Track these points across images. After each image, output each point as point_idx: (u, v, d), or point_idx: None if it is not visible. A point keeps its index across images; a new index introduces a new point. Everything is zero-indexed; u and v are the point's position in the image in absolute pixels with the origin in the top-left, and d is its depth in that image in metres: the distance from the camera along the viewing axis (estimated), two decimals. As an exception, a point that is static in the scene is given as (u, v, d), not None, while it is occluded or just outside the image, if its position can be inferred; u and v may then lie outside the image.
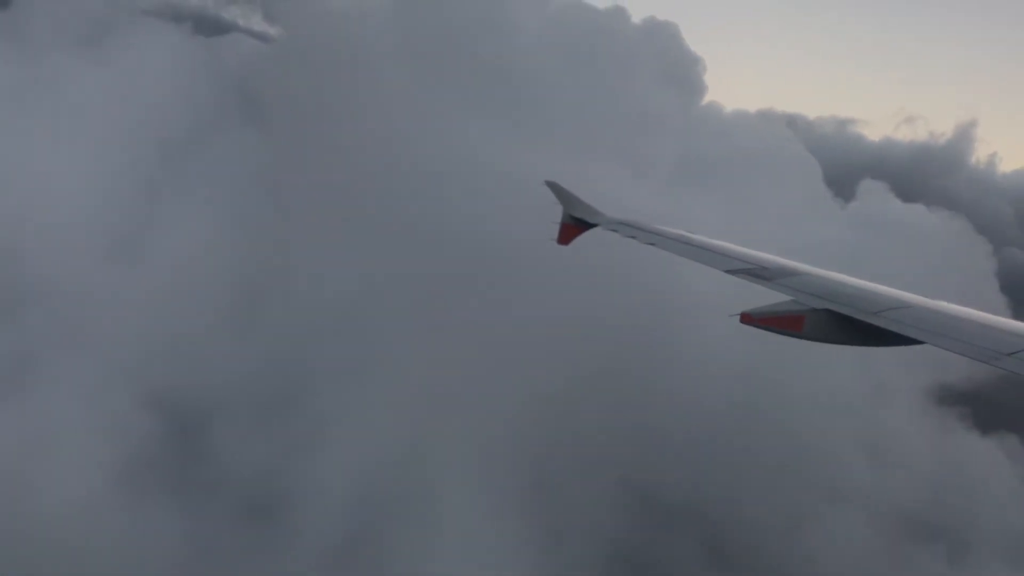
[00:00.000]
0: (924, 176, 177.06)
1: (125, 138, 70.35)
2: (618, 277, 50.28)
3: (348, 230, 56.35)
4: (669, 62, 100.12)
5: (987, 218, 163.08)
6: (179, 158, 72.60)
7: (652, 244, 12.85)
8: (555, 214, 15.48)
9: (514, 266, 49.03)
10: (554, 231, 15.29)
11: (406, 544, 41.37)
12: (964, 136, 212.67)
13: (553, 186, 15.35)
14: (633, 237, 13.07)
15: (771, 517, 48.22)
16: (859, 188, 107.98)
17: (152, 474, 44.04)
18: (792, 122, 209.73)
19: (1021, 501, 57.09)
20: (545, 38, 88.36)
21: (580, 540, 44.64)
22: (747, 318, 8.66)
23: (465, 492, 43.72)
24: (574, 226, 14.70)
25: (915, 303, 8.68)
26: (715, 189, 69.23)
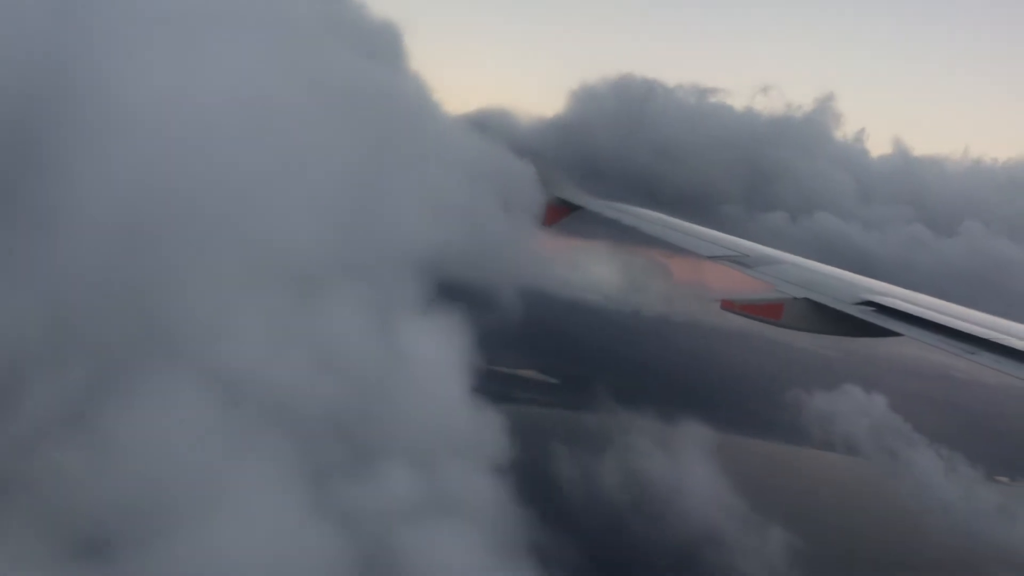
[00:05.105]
0: (790, 147, 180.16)
1: None
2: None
3: None
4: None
5: (830, 185, 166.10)
6: None
7: (636, 227, 12.86)
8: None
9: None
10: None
11: None
12: (825, 109, 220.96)
13: (539, 165, 15.26)
14: (618, 220, 13.07)
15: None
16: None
17: None
18: (650, 88, 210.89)
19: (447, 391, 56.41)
20: None
21: None
22: (728, 304, 8.69)
23: None
24: (559, 208, 14.67)
25: (894, 293, 8.71)
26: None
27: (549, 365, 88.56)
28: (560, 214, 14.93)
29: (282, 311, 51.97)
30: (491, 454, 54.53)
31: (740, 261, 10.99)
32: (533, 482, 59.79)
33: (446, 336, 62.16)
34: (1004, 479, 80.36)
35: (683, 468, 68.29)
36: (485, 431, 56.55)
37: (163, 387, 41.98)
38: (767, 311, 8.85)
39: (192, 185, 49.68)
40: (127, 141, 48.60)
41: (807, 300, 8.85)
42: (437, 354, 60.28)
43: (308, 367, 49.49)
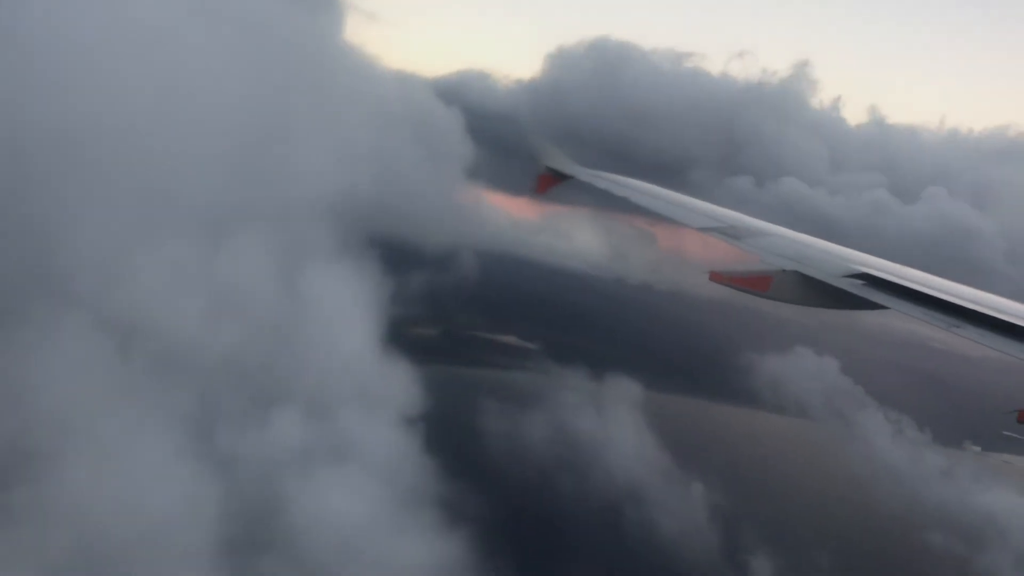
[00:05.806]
0: (764, 113, 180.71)
1: None
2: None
3: None
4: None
5: (801, 152, 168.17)
6: None
7: (626, 197, 12.95)
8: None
9: None
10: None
11: None
12: (800, 76, 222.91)
13: (532, 136, 15.26)
14: (608, 190, 13.16)
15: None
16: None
17: None
18: (626, 51, 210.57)
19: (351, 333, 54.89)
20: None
21: None
22: (716, 276, 8.84)
23: None
24: (551, 177, 14.73)
25: (882, 267, 8.92)
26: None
27: (529, 331, 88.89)
28: (550, 183, 14.95)
29: (184, 256, 47.60)
30: (401, 406, 51.77)
31: (729, 233, 11.15)
32: (460, 439, 58.43)
33: (359, 287, 59.69)
34: (976, 448, 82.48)
35: (643, 433, 68.69)
36: (395, 383, 54.69)
37: (49, 330, 38.96)
38: (755, 283, 9.02)
39: (89, 124, 44.51)
40: (15, 74, 42.75)
41: (796, 272, 9.04)
42: (347, 304, 57.58)
43: (209, 313, 46.31)
